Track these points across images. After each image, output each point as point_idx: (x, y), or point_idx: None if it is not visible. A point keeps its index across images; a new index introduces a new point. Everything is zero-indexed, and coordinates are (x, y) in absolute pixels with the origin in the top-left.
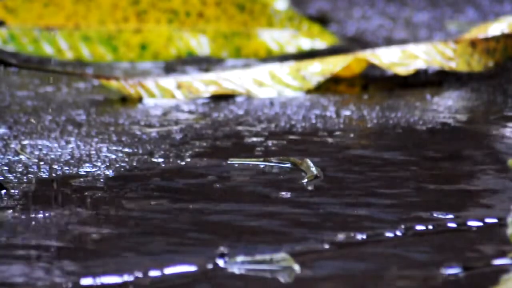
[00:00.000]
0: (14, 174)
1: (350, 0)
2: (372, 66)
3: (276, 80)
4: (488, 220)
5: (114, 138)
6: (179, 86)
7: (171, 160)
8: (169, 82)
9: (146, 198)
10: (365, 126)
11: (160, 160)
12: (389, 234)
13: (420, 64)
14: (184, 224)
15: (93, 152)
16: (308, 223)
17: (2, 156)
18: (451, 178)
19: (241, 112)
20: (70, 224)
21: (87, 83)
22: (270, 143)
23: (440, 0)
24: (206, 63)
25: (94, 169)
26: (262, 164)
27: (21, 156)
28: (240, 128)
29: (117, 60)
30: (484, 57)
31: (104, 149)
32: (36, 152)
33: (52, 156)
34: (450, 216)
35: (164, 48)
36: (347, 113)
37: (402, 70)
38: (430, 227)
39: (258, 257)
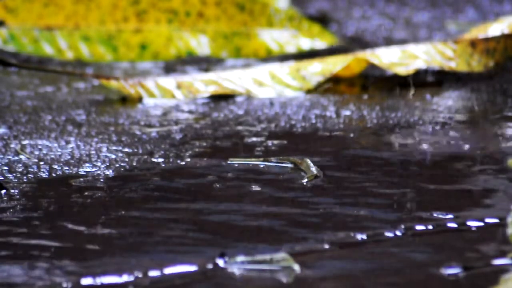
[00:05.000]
0: (14, 174)
1: (350, 0)
2: (372, 66)
3: (276, 80)
4: (488, 220)
5: (114, 138)
6: (179, 86)
7: (171, 160)
8: (169, 82)
9: (146, 198)
10: (365, 126)
11: (160, 160)
12: (389, 234)
13: (420, 64)
14: (184, 224)
15: (93, 152)
16: (308, 223)
17: (2, 156)
18: (451, 178)
19: (241, 112)
20: (70, 224)
21: (87, 83)
22: (270, 143)
23: (440, 0)
24: (206, 63)
25: (94, 169)
26: (262, 164)
27: (21, 156)
28: (240, 128)
29: (117, 60)
30: (484, 57)
31: (104, 149)
32: (36, 152)
33: (52, 156)
34: (450, 216)
35: (164, 48)
36: (347, 113)
37: (402, 70)
38: (430, 227)
39: (258, 257)
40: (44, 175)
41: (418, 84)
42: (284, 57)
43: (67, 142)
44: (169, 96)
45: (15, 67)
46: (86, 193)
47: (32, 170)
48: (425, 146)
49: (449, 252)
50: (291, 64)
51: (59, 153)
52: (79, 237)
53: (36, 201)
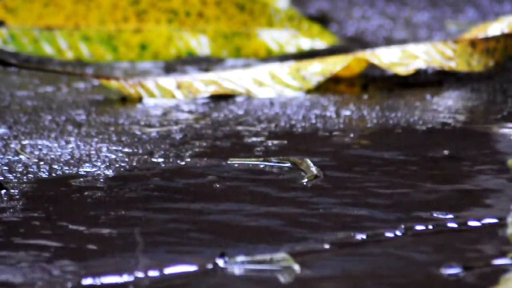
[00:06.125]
0: (14, 174)
1: (350, 0)
2: (372, 66)
3: (276, 80)
4: (488, 220)
5: (114, 138)
6: (179, 86)
7: (171, 160)
8: (169, 82)
9: (146, 198)
10: (365, 126)
11: (160, 160)
12: (389, 234)
13: (420, 64)
14: (184, 224)
15: (93, 152)
16: (308, 223)
17: (2, 156)
18: (451, 178)
19: (241, 112)
20: (70, 224)
21: (87, 83)
22: (270, 143)
23: (440, 0)
24: (206, 63)
25: (94, 169)
26: (262, 164)
27: (21, 156)
28: (240, 128)
29: (117, 60)
30: (484, 57)
31: (104, 149)
32: (36, 152)
33: (52, 156)
34: (450, 216)
35: (164, 48)
36: (347, 113)
37: (402, 70)
38: (430, 227)
39: (258, 257)
40: (44, 175)
41: (418, 84)
42: (284, 57)
43: (67, 142)
44: (169, 96)
45: (15, 67)
46: (86, 193)
47: (32, 170)
48: (425, 146)
49: (449, 252)
50: (291, 64)
51: (59, 153)
52: (79, 237)
53: (36, 201)
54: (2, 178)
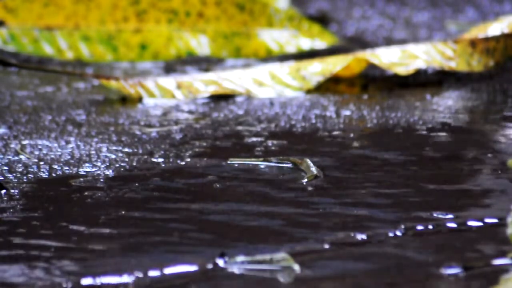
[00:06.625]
0: (14, 174)
1: (350, 0)
2: (372, 66)
3: (276, 80)
4: (488, 220)
5: (114, 138)
6: (179, 86)
7: (171, 160)
8: (169, 82)
9: (146, 198)
10: (365, 126)
11: (160, 160)
12: (389, 234)
13: (420, 64)
14: (184, 224)
15: (93, 152)
16: (308, 223)
17: (2, 156)
18: (451, 178)
19: (241, 112)
20: (70, 224)
21: (87, 83)
22: (270, 143)
23: (440, 0)
24: (206, 63)
25: (94, 169)
26: (262, 164)
27: (21, 156)
28: (240, 128)
29: (117, 60)
30: (484, 57)
31: (104, 149)
32: (36, 152)
33: (52, 156)
34: (450, 216)
35: (164, 48)
36: (347, 113)
37: (402, 70)
38: (430, 227)
39: (258, 257)
40: (44, 175)
41: (418, 84)
42: (284, 57)
43: (67, 142)
44: (169, 96)
45: (15, 67)
46: (86, 193)
47: (32, 170)
48: (425, 146)
49: (449, 252)
50: (291, 64)
51: (59, 153)
52: (79, 237)
53: (36, 201)
54: (2, 178)
